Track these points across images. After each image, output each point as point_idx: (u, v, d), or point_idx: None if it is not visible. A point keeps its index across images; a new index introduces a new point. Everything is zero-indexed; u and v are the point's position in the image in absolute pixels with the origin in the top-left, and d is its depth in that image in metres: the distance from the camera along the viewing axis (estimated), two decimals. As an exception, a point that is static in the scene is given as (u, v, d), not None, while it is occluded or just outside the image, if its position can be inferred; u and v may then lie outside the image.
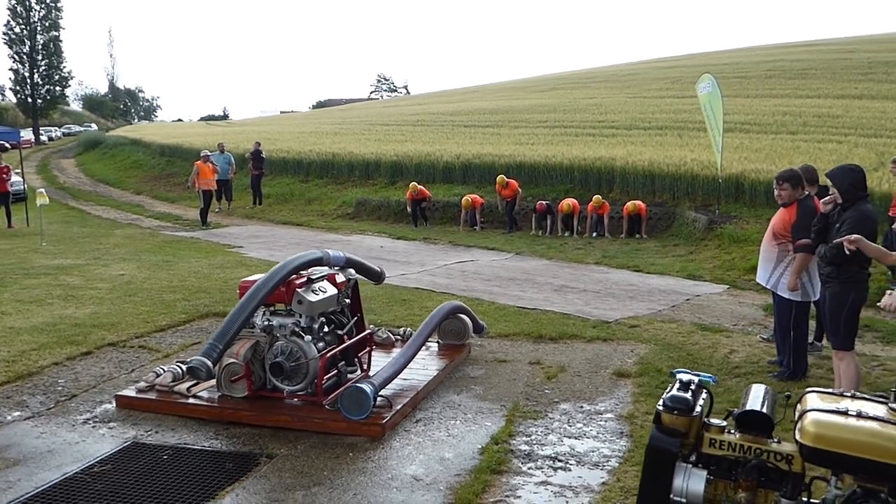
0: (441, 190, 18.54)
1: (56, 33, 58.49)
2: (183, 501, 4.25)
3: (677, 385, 3.16)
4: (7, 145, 47.41)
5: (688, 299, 9.55)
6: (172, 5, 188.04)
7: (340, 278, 5.93)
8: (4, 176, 17.87)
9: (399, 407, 5.45)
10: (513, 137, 23.33)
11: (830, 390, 3.16)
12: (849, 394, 3.06)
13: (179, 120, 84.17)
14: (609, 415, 5.50)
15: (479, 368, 6.66)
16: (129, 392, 5.85)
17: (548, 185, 17.41)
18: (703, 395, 3.23)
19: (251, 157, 20.64)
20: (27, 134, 56.67)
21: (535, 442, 4.99)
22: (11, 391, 6.13)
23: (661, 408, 3.08)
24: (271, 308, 5.66)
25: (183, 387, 5.79)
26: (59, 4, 58.38)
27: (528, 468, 4.59)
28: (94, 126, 67.26)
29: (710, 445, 3.09)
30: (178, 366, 5.92)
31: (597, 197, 14.99)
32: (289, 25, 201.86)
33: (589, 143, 20.41)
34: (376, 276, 6.78)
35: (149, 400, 5.72)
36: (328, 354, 5.48)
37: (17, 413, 5.65)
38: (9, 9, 56.02)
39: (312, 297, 5.41)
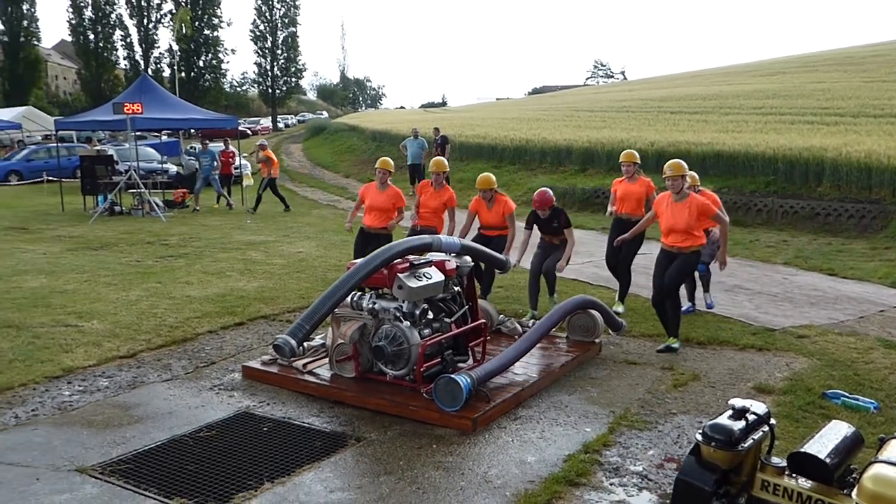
0: (630, 179, 17.73)
1: (294, 29, 63.64)
2: (260, 475, 4.38)
3: (729, 412, 2.68)
4: (248, 131, 52.55)
5: (882, 311, 8.29)
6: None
7: (452, 265, 5.81)
8: (231, 160, 19.80)
9: (498, 402, 5.24)
10: (719, 125, 21.72)
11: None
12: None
13: (402, 107, 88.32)
14: (728, 434, 4.88)
15: (604, 369, 6.23)
16: (255, 364, 6.16)
17: (746, 176, 15.96)
18: (763, 429, 2.70)
19: (436, 143, 21.15)
20: (266, 122, 62.66)
21: (630, 455, 4.55)
22: (164, 354, 6.72)
23: (699, 437, 2.62)
24: (379, 291, 5.67)
25: (300, 363, 6.00)
26: (297, 2, 63.47)
27: (611, 483, 4.19)
28: (325, 114, 72.53)
29: (762, 488, 2.59)
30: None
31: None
32: (508, 12, 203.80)
33: (804, 131, 18.45)
34: (500, 265, 6.58)
35: (269, 373, 5.99)
36: (429, 342, 5.39)
37: (159, 375, 6.16)
38: (255, 8, 61.94)
39: (413, 283, 5.34)
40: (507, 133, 24.55)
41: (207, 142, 19.54)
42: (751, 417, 2.65)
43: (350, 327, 5.60)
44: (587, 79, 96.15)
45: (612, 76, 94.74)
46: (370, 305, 5.54)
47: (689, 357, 6.56)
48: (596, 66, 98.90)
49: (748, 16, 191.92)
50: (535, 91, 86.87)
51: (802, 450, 2.49)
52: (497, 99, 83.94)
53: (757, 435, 2.65)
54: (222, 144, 20.13)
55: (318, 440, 4.90)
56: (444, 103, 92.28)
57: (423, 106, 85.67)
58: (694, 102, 29.38)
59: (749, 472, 2.63)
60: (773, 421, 2.75)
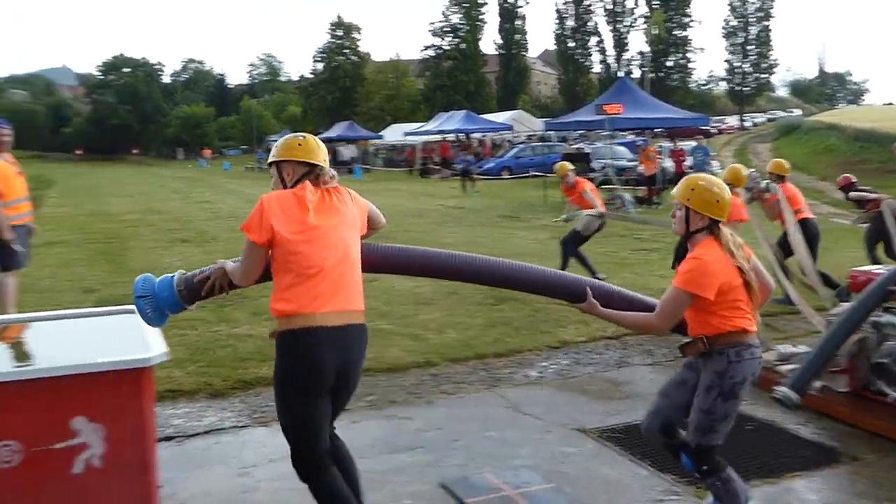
0: None
1: (767, 23, 60.57)
2: (747, 470, 4.45)
3: None
4: (711, 130, 51.95)
5: None
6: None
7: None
8: (681, 159, 20.19)
9: None
10: None
11: None
12: None
13: (889, 104, 77.38)
14: None
15: None
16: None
17: None
18: None
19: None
20: (732, 120, 60.87)
21: None
22: (645, 339, 7.11)
23: None
24: (885, 304, 5.22)
25: (785, 368, 5.86)
26: (770, -6, 60.27)
27: None
28: (798, 111, 67.53)
29: None
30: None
31: None
32: None
33: None
34: None
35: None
36: (947, 368, 4.80)
37: (642, 359, 6.62)
38: (728, 4, 60.46)
39: (933, 300, 4.79)
40: None
41: (702, 137, 20.45)
42: None
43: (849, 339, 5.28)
44: None
45: None
46: (875, 318, 5.14)
47: None
48: None
49: None
50: None
51: None
52: None
53: None
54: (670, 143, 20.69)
55: (805, 449, 4.77)
56: (950, 97, 78.22)
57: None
58: None
59: None
60: None
